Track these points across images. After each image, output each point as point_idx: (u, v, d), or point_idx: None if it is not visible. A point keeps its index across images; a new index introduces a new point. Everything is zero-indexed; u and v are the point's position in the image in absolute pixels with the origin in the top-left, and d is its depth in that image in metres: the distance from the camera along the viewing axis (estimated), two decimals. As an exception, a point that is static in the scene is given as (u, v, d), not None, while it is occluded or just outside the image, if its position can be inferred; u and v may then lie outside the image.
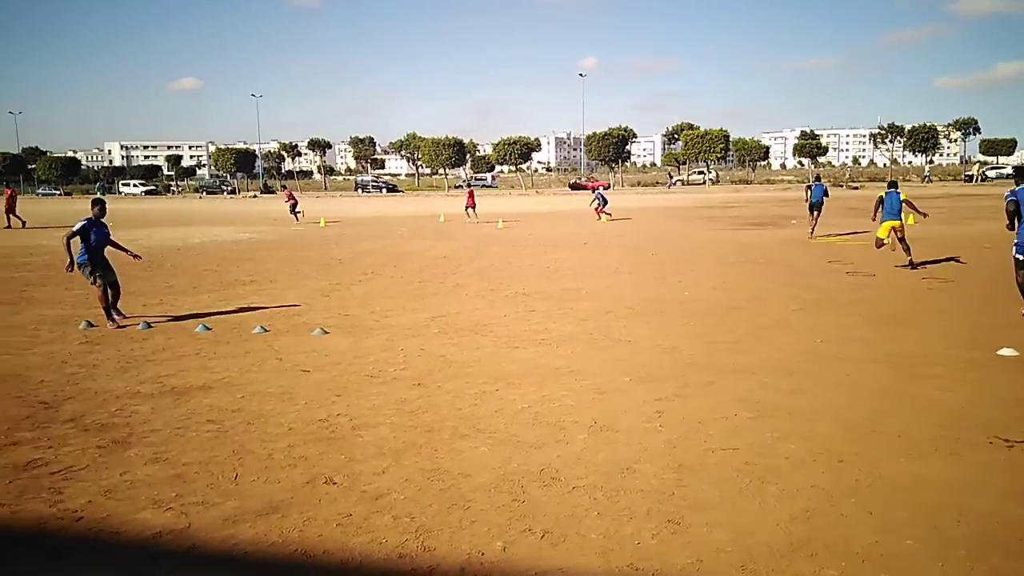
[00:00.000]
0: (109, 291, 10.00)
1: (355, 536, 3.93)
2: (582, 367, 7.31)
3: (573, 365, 7.39)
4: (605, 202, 30.03)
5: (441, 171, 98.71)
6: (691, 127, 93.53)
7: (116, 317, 9.95)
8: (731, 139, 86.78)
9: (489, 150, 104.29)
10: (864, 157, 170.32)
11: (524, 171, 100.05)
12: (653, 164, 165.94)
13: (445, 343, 8.50)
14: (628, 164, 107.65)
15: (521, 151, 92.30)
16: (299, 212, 32.24)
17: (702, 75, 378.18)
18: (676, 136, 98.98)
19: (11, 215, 30.49)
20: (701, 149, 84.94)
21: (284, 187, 38.53)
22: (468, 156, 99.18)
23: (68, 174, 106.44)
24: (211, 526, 4.08)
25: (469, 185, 48.73)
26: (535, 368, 7.31)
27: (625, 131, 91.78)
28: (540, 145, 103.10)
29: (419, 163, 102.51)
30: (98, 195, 20.02)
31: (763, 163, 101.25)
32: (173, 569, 3.65)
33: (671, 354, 7.81)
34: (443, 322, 9.75)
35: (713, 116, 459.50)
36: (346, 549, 3.80)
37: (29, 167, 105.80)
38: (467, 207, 31.10)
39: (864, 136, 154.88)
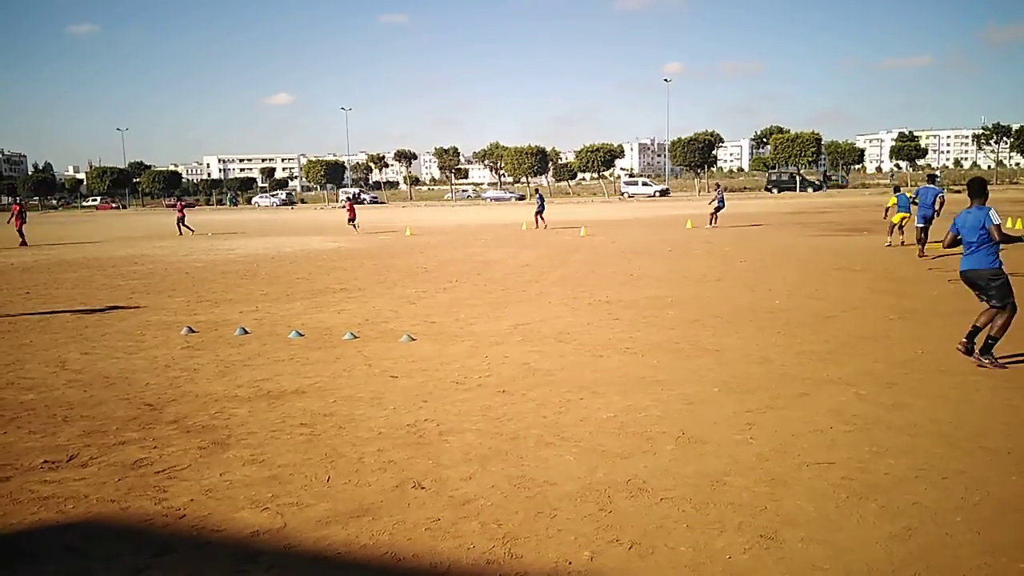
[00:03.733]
0: None
1: (443, 541, 3.98)
2: (669, 377, 7.19)
3: (659, 375, 7.28)
4: (722, 205, 29.62)
5: (523, 179, 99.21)
6: (780, 130, 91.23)
7: None
8: (823, 142, 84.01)
9: (572, 157, 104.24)
10: (967, 159, 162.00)
11: (607, 178, 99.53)
12: (740, 169, 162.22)
13: (529, 351, 8.52)
14: (714, 169, 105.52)
15: (604, 158, 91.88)
16: (356, 223, 33.37)
17: (792, 76, 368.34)
18: (765, 140, 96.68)
19: (21, 233, 29.93)
20: (791, 153, 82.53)
21: (349, 199, 39.74)
22: (550, 164, 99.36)
23: (169, 187, 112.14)
24: (305, 526, 4.20)
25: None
26: (620, 377, 7.24)
27: (711, 136, 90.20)
28: (623, 152, 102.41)
29: (502, 172, 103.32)
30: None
31: (857, 167, 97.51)
32: (270, 567, 3.78)
33: (762, 364, 7.60)
34: (526, 330, 9.77)
35: (804, 119, 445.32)
36: (435, 553, 3.85)
37: (134, 180, 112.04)
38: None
39: (967, 137, 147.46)
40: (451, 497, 4.54)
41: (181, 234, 33.78)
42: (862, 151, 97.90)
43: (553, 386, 6.98)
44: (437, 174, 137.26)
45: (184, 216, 35.51)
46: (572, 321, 10.33)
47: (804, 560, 3.67)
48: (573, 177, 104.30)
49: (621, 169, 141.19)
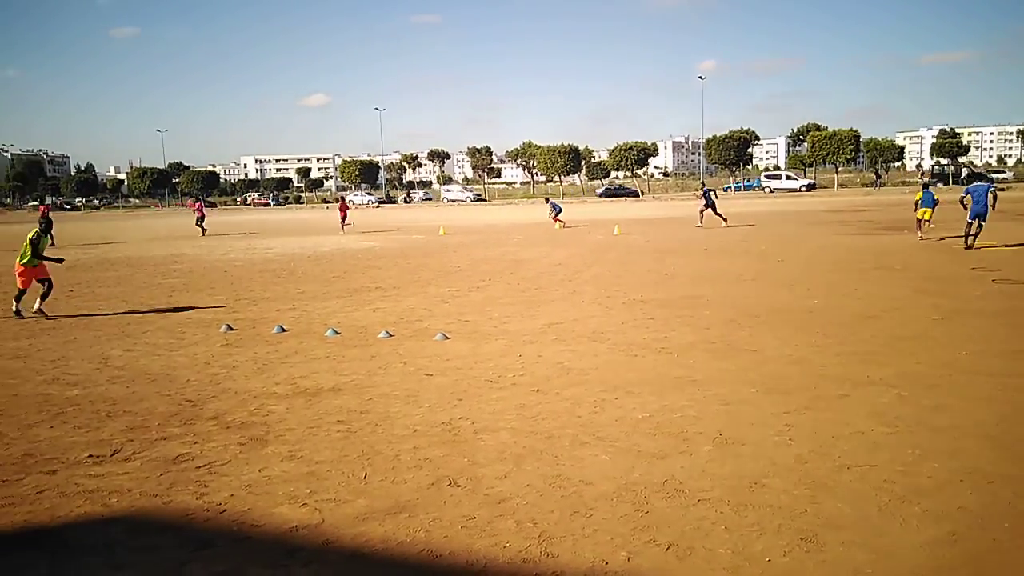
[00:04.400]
0: None
1: (479, 539, 3.99)
2: (705, 377, 7.13)
3: (695, 375, 7.22)
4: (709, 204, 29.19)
5: (557, 178, 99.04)
6: (818, 128, 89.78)
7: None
8: (862, 139, 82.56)
9: (605, 156, 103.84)
10: (1011, 156, 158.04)
11: (641, 177, 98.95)
12: (776, 167, 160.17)
13: (562, 350, 8.50)
14: (750, 167, 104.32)
15: (638, 156, 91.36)
16: (349, 223, 35.22)
17: (830, 73, 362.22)
18: (802, 137, 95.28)
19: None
20: (829, 151, 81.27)
21: (340, 198, 41.23)
22: (583, 163, 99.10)
23: (208, 187, 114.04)
24: (343, 523, 4.24)
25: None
26: (655, 377, 7.19)
27: (747, 133, 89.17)
28: (657, 150, 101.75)
29: (535, 171, 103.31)
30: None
31: (896, 164, 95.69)
32: (309, 563, 3.82)
33: (800, 365, 7.50)
34: (560, 329, 9.75)
35: (842, 116, 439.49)
36: (471, 551, 3.86)
37: (174, 181, 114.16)
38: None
39: (1011, 134, 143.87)
40: (486, 495, 4.54)
41: (204, 234, 34.12)
42: (902, 148, 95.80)
43: (587, 385, 6.95)
44: (470, 173, 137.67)
45: (204, 216, 35.77)
46: (606, 320, 10.28)
47: (846, 564, 3.61)
48: (606, 176, 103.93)
49: (655, 167, 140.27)
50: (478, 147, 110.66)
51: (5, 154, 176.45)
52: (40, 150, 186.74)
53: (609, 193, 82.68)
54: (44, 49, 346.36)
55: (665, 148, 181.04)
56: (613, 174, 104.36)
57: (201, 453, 5.46)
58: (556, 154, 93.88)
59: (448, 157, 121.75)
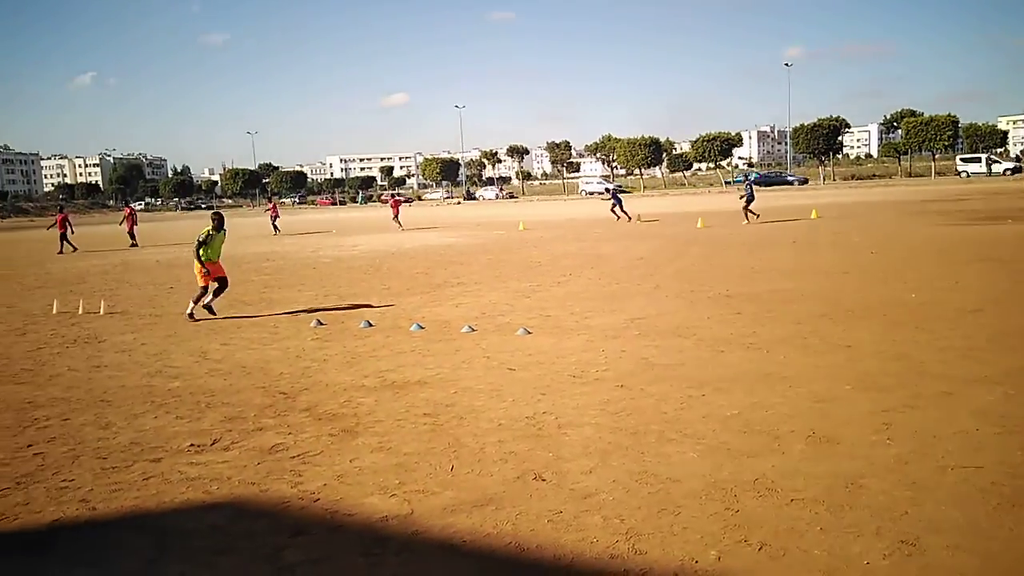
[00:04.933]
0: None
1: (566, 533, 3.99)
2: (796, 373, 6.92)
3: (786, 371, 7.01)
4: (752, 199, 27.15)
5: (637, 171, 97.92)
6: (913, 113, 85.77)
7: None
8: (960, 125, 78.40)
9: (687, 147, 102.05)
10: None
11: (724, 168, 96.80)
12: (868, 156, 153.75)
13: (647, 345, 8.40)
14: (840, 157, 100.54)
15: (721, 147, 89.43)
16: (399, 220, 35.83)
17: (924, 56, 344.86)
18: (896, 124, 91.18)
19: (132, 235, 31.20)
20: (925, 137, 77.58)
21: (393, 195, 42.11)
22: (664, 155, 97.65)
23: (296, 187, 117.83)
24: (431, 514, 4.32)
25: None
26: (744, 373, 7.02)
27: (836, 121, 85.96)
28: (741, 140, 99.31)
29: (614, 164, 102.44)
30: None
31: (999, 150, 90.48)
32: (399, 552, 3.90)
33: (898, 361, 7.18)
34: (643, 324, 9.64)
35: (938, 100, 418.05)
36: (558, 546, 3.86)
37: (264, 181, 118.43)
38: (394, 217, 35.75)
39: None
40: (572, 490, 4.54)
41: (276, 234, 34.78)
42: (1005, 133, 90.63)
43: (673, 381, 6.85)
44: (549, 168, 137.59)
45: (277, 215, 36.65)
46: (691, 315, 10.10)
47: (950, 569, 3.45)
48: (689, 167, 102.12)
49: (739, 158, 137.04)
50: (557, 142, 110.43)
51: (108, 158, 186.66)
52: (140, 154, 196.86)
53: (768, 181, 78.74)
54: (141, 57, 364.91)
55: (750, 138, 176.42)
56: (696, 165, 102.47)
57: (295, 443, 5.64)
58: (636, 146, 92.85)
59: (527, 152, 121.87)
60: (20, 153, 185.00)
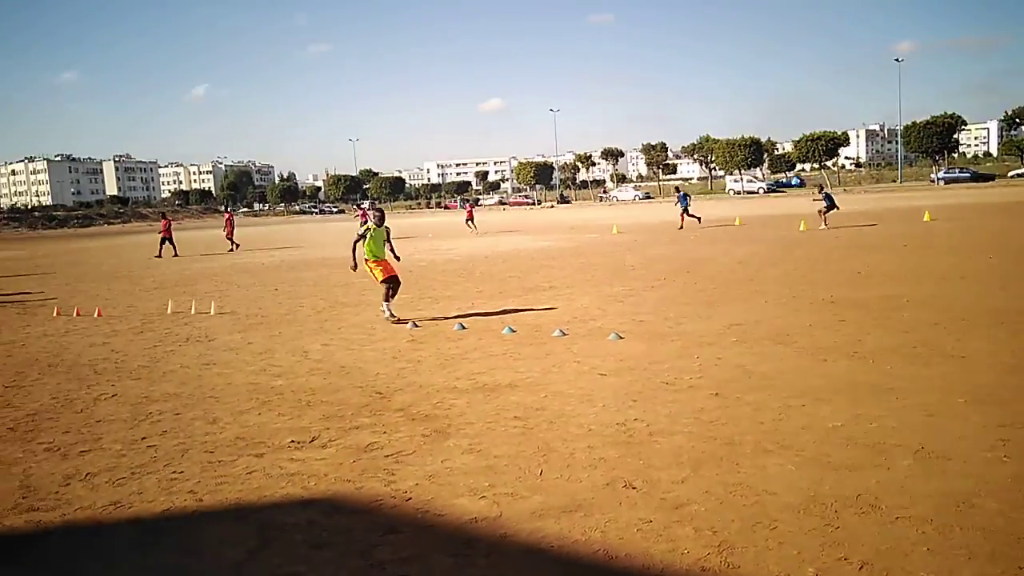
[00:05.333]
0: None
1: (656, 543, 3.91)
2: (904, 385, 6.56)
3: (893, 382, 6.67)
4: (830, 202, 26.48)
5: (736, 172, 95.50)
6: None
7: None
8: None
9: (789, 148, 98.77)
10: None
11: (830, 168, 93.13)
12: (988, 154, 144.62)
13: (744, 352, 8.16)
14: (956, 155, 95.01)
15: (826, 147, 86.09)
16: (472, 223, 37.04)
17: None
18: (1018, 120, 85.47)
19: (230, 239, 32.37)
20: (1052, 133, 72.21)
21: (468, 201, 43.21)
22: (765, 155, 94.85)
23: (394, 192, 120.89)
24: (520, 517, 4.32)
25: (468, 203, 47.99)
26: (848, 383, 6.72)
27: (951, 118, 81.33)
28: (848, 139, 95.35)
29: (712, 166, 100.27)
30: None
31: None
32: (488, 554, 3.93)
33: (1018, 373, 6.71)
34: (741, 330, 9.37)
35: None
36: (647, 555, 3.80)
37: (364, 186, 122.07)
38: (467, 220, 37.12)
39: None
40: (663, 499, 4.45)
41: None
42: None
43: (771, 391, 6.63)
44: (645, 171, 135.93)
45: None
46: (792, 322, 9.76)
47: (1078, 601, 3.19)
48: (791, 168, 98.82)
49: (846, 158, 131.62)
50: (652, 143, 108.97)
51: (220, 166, 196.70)
52: (249, 161, 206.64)
53: (954, 178, 74.90)
54: (251, 69, 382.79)
55: (857, 137, 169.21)
56: (799, 166, 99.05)
57: (389, 443, 5.77)
58: (736, 147, 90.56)
59: (622, 155, 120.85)
60: (140, 161, 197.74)
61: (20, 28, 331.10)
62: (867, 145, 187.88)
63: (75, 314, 13.84)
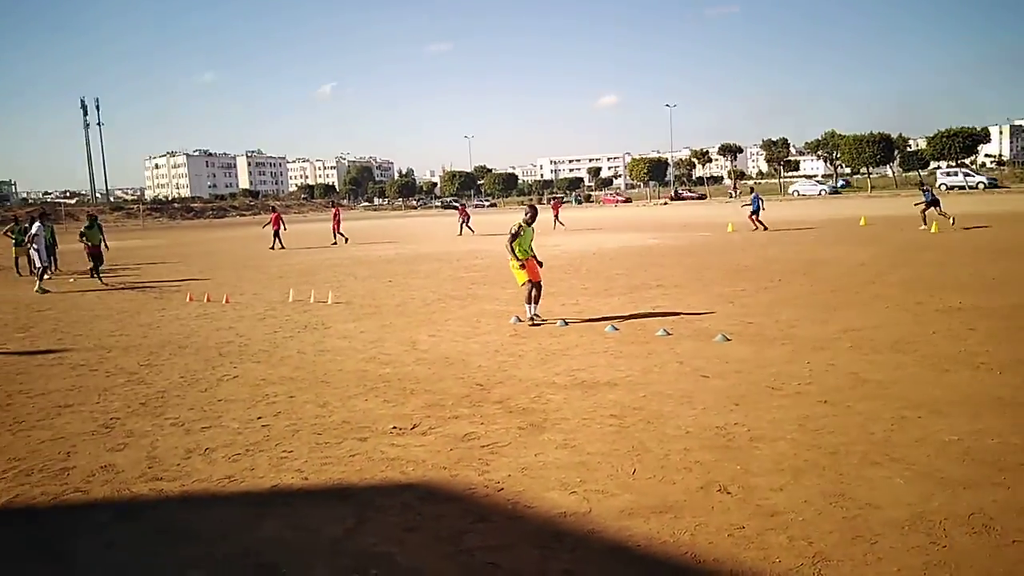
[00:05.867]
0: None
1: (746, 550, 3.83)
2: (1034, 399, 6.10)
3: (1022, 396, 6.21)
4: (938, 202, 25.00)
5: (863, 170, 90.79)
6: None
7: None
8: None
9: (923, 144, 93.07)
10: None
11: (967, 167, 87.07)
12: None
13: (858, 359, 7.80)
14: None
15: (963, 144, 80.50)
16: (468, 226, 34.95)
17: None
18: None
19: (338, 232, 32.82)
20: None
21: (555, 198, 41.47)
22: (896, 152, 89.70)
23: (507, 188, 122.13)
24: (609, 515, 4.32)
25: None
26: (969, 396, 6.31)
27: (1112, 113, 74.02)
28: (988, 136, 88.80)
29: (838, 163, 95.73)
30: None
31: None
32: (574, 549, 3.95)
33: None
34: (857, 336, 8.95)
35: None
36: (736, 561, 3.72)
37: (478, 182, 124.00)
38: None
39: None
40: (758, 506, 4.34)
41: (460, 235, 35.14)
42: None
43: (885, 400, 6.31)
44: (765, 167, 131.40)
45: (468, 218, 36.77)
46: (914, 329, 9.23)
47: None
48: (925, 166, 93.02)
49: (986, 156, 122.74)
50: (774, 139, 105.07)
51: (343, 161, 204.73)
52: (371, 157, 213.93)
53: None
54: (374, 68, 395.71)
55: (1000, 133, 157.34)
56: (932, 164, 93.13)
57: (486, 433, 5.89)
58: (863, 143, 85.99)
59: (740, 151, 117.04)
60: (271, 157, 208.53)
61: (167, 33, 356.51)
62: (1011, 142, 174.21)
63: (206, 300, 14.81)
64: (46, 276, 18.66)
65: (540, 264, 11.27)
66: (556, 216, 38.44)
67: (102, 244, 19.82)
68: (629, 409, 6.38)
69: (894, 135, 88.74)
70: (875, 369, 7.36)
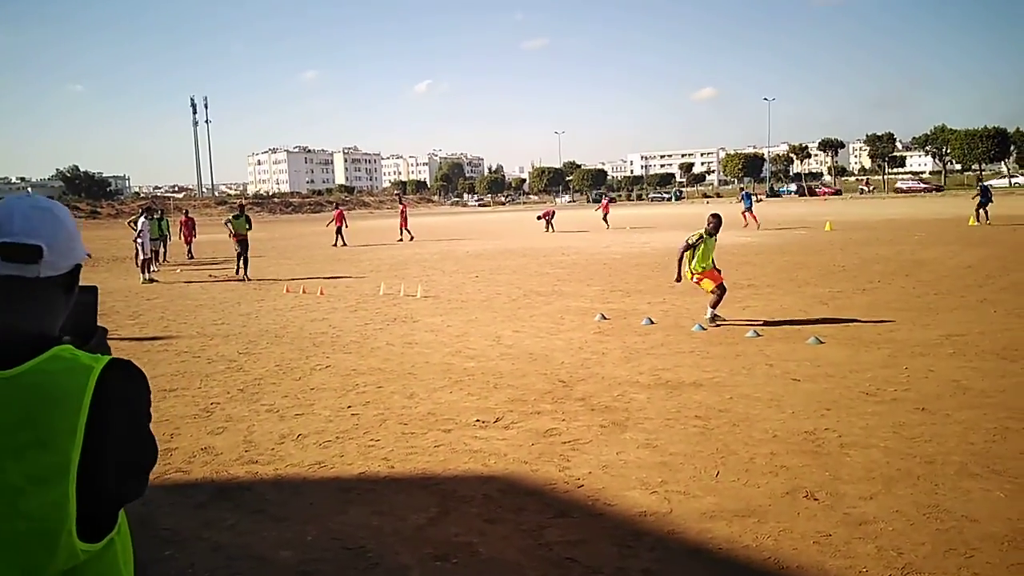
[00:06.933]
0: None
1: (832, 558, 3.73)
2: None
3: None
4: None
5: (975, 167, 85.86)
6: None
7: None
8: None
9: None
10: None
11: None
12: None
13: (961, 366, 7.42)
14: None
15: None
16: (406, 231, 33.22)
17: None
18: None
19: (404, 229, 32.88)
20: None
21: (605, 196, 40.42)
22: (1012, 148, 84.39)
23: (596, 184, 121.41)
24: (690, 516, 4.29)
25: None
26: (1085, 407, 5.92)
27: None
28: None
29: (948, 159, 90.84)
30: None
31: None
32: (653, 549, 3.94)
33: None
34: (961, 342, 8.52)
35: None
36: (821, 569, 3.63)
37: (567, 178, 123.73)
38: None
39: None
40: (846, 514, 4.21)
41: (549, 231, 35.14)
42: None
43: (988, 409, 6.00)
44: (868, 163, 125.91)
45: (554, 213, 37.22)
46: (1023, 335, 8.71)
47: None
48: None
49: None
50: (878, 134, 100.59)
51: (435, 158, 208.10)
52: (462, 153, 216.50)
53: None
54: (468, 65, 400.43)
55: None
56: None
57: (567, 430, 5.92)
58: (976, 139, 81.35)
59: (842, 146, 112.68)
60: (366, 153, 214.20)
61: (274, 32, 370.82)
62: None
63: (301, 292, 15.39)
64: (153, 267, 19.83)
65: (718, 271, 10.57)
66: (605, 215, 37.72)
67: (247, 233, 19.26)
68: (714, 411, 6.29)
69: (1011, 129, 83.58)
70: (978, 376, 7.00)
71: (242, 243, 18.97)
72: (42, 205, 1.47)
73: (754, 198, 31.19)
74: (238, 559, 3.99)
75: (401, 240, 32.46)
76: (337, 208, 33.33)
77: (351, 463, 5.35)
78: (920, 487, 4.54)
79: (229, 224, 19.76)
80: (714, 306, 10.32)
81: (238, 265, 18.91)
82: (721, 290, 10.36)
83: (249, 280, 18.10)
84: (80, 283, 1.53)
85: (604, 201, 42.03)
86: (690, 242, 10.37)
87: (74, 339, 1.48)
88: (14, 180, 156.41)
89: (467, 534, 4.18)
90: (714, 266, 10.55)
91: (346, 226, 31.67)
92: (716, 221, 10.56)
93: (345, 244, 30.42)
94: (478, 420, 6.24)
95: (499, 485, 4.86)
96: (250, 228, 19.64)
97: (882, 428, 5.66)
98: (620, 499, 4.57)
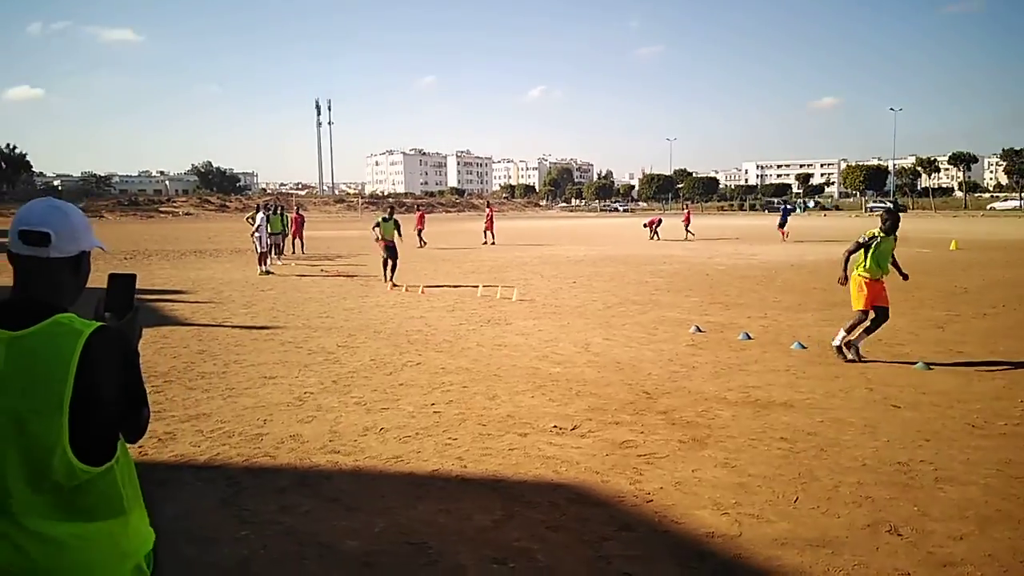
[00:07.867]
0: None
1: (908, 599, 3.51)
2: None
3: None
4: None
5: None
6: None
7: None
8: None
9: None
10: None
11: None
12: None
13: (1087, 403, 6.83)
14: None
15: None
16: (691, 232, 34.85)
17: None
18: None
19: (488, 232, 32.81)
20: None
21: (686, 205, 39.58)
22: None
23: (707, 192, 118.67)
24: (760, 541, 4.14)
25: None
26: None
27: None
28: None
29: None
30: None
31: None
32: (715, 571, 3.83)
33: None
34: (1090, 376, 7.83)
35: None
36: (894, 610, 3.43)
37: (677, 186, 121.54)
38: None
39: None
40: (930, 553, 3.96)
41: (654, 239, 34.93)
42: None
43: (1111, 452, 5.49)
44: (1005, 180, 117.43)
45: (660, 221, 36.67)
46: None
47: None
48: None
49: None
50: (1016, 148, 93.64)
51: (545, 162, 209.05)
52: (571, 159, 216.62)
53: None
54: (582, 71, 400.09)
55: None
56: None
57: (644, 443, 5.83)
58: None
59: (975, 160, 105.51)
60: (478, 157, 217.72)
61: (397, 37, 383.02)
62: None
63: (404, 290, 15.81)
64: (269, 261, 20.86)
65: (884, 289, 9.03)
66: (687, 225, 37.10)
67: (395, 239, 17.47)
68: (802, 433, 6.04)
69: None
70: (1107, 416, 6.42)
71: (389, 249, 17.11)
72: (55, 204, 1.91)
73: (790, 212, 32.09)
74: (308, 545, 4.15)
75: (485, 243, 32.61)
76: (419, 210, 34.30)
77: (426, 460, 5.46)
78: (1021, 531, 4.21)
79: (378, 229, 17.44)
80: (849, 331, 8.79)
81: (385, 274, 17.03)
82: (868, 316, 8.76)
83: (397, 286, 16.45)
84: (124, 272, 2.00)
85: (687, 211, 41.44)
86: (860, 241, 8.89)
87: (114, 314, 1.95)
88: (155, 173, 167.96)
89: (528, 540, 4.19)
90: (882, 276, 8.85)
91: (423, 228, 31.62)
92: (892, 217, 8.93)
93: (424, 244, 30.45)
94: (555, 427, 6.24)
95: (567, 493, 4.85)
96: (400, 235, 17.64)
97: (985, 464, 5.29)
98: (689, 517, 4.46)
